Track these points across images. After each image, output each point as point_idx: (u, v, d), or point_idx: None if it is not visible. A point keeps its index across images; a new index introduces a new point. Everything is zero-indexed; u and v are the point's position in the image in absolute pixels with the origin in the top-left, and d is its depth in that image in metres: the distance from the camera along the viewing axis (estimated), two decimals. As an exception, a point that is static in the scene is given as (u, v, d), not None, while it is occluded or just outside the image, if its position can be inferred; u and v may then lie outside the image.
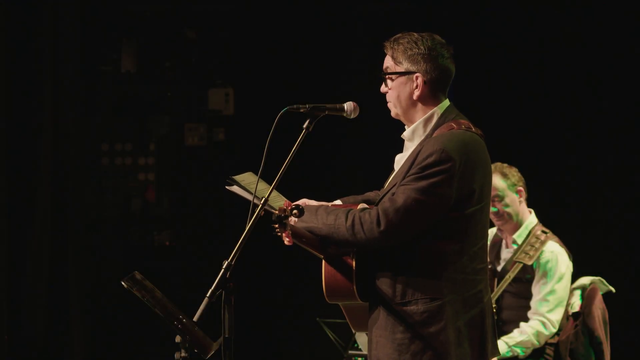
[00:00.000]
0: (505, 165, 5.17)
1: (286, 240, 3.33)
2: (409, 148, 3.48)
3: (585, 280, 5.13)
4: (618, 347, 5.24)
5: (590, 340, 5.02)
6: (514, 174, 5.14)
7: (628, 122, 6.50)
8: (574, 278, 5.13)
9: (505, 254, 5.19)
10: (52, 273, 6.57)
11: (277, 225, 3.26)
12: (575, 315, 5.04)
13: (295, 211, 3.21)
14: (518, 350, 4.97)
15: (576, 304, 5.06)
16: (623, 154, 6.52)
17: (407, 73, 3.43)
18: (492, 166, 5.06)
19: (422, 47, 3.41)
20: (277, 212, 3.23)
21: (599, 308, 5.05)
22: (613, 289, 5.11)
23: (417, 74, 3.42)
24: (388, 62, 3.48)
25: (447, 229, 3.33)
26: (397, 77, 3.44)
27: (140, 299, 3.29)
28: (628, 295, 5.91)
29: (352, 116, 3.52)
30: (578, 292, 5.09)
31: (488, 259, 5.16)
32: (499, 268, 5.14)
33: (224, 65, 7.31)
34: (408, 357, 3.33)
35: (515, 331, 4.98)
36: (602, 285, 5.11)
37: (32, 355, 6.52)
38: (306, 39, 7.03)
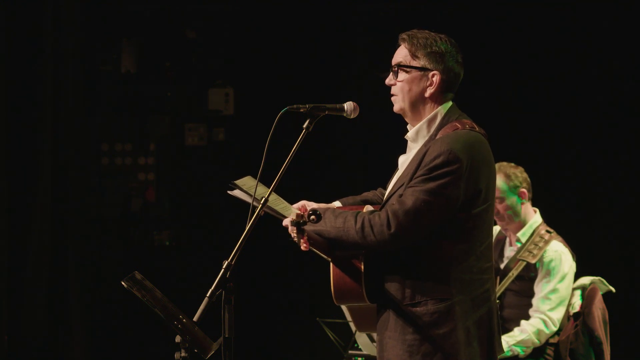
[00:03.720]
0: (511, 165, 5.15)
1: (303, 246, 3.31)
2: (413, 148, 3.48)
3: (585, 280, 5.13)
4: (618, 347, 5.24)
5: (590, 340, 5.01)
6: (518, 175, 5.12)
7: (629, 123, 6.50)
8: (575, 278, 5.13)
9: (509, 251, 5.19)
10: (52, 273, 6.57)
11: (294, 231, 3.26)
12: (576, 315, 5.04)
13: (312, 217, 3.20)
14: (518, 350, 4.97)
15: (576, 304, 5.06)
16: (623, 153, 6.52)
17: (424, 69, 3.42)
18: (497, 166, 5.09)
19: (442, 47, 3.41)
20: (294, 217, 3.23)
21: (599, 308, 5.05)
22: (613, 289, 5.11)
23: (434, 72, 3.42)
24: (403, 54, 3.45)
25: (454, 230, 3.33)
26: (412, 71, 3.43)
27: (140, 299, 3.29)
28: (628, 295, 5.91)
29: (352, 116, 3.52)
30: (578, 292, 5.09)
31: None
32: (501, 266, 5.14)
33: (224, 65, 7.31)
34: (419, 358, 3.33)
35: (516, 329, 4.99)
36: (602, 285, 5.11)
37: (32, 355, 6.52)
38: (306, 39, 7.03)
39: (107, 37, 7.26)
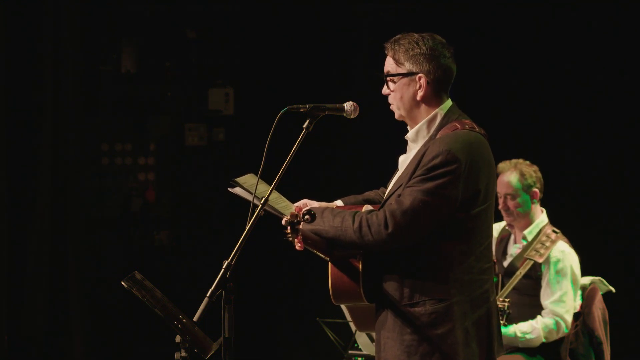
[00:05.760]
0: (527, 163, 5.15)
1: (297, 246, 3.33)
2: (413, 149, 3.48)
3: (585, 280, 5.12)
4: (618, 347, 5.24)
5: (590, 340, 5.01)
6: (532, 174, 5.11)
7: (629, 123, 6.50)
8: (576, 279, 5.14)
9: (513, 249, 5.18)
10: (52, 273, 6.57)
11: (288, 231, 3.26)
12: (576, 315, 5.04)
13: (307, 217, 3.21)
14: (519, 343, 4.96)
15: (577, 303, 5.06)
16: (623, 153, 6.52)
17: (409, 74, 3.42)
18: (513, 163, 5.10)
19: (423, 47, 3.40)
20: (289, 217, 3.23)
21: (599, 308, 5.05)
22: (613, 289, 5.11)
23: (420, 75, 3.41)
24: (389, 63, 3.46)
25: (453, 230, 3.32)
26: (399, 79, 3.43)
27: (140, 299, 3.29)
28: (628, 295, 5.91)
29: (352, 116, 3.52)
30: (578, 292, 5.09)
31: (494, 254, 5.17)
32: (505, 263, 5.14)
33: (224, 65, 7.31)
34: (417, 359, 3.32)
35: (529, 325, 4.95)
36: (602, 285, 5.10)
37: (32, 355, 6.52)
38: (306, 39, 7.03)
39: (107, 37, 7.26)
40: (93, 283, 6.96)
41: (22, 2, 6.48)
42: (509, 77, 6.65)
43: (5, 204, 6.39)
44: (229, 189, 3.47)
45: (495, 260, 5.11)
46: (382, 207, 3.39)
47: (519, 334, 4.92)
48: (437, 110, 3.44)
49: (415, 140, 3.47)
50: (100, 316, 7.00)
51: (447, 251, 3.33)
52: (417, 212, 3.26)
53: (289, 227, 3.26)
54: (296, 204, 3.54)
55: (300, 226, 3.28)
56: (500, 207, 5.10)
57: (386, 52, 3.48)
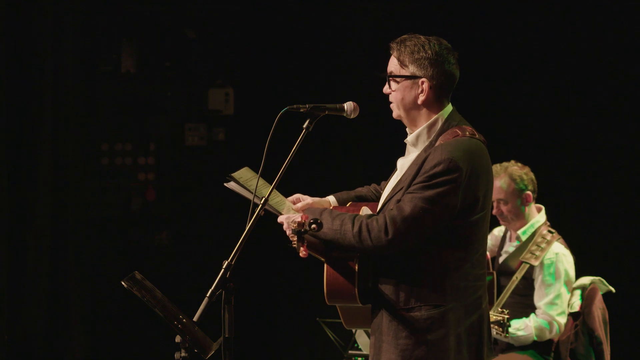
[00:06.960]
0: (518, 165, 5.11)
1: (302, 253, 3.32)
2: (412, 152, 3.47)
3: (585, 280, 5.12)
4: (618, 347, 5.24)
5: (590, 340, 5.01)
6: (524, 177, 5.08)
7: (628, 123, 6.50)
8: (575, 278, 5.12)
9: (507, 247, 5.18)
10: (52, 273, 6.57)
11: (294, 239, 3.26)
12: (575, 315, 5.04)
13: (313, 225, 3.21)
14: (511, 339, 4.95)
15: (576, 304, 5.06)
16: (623, 153, 6.52)
17: (412, 77, 3.41)
18: (503, 167, 5.08)
19: (429, 52, 3.39)
20: (295, 226, 3.23)
21: (599, 308, 5.04)
22: (613, 289, 5.11)
23: (423, 79, 3.40)
24: (393, 63, 3.45)
25: (450, 237, 3.33)
26: (402, 80, 3.42)
27: (140, 299, 3.29)
28: (628, 295, 5.91)
29: (352, 116, 3.52)
30: (578, 292, 5.08)
31: (497, 248, 5.18)
32: (500, 259, 5.13)
33: (224, 65, 7.31)
34: None
35: (522, 322, 4.94)
36: (602, 285, 5.10)
37: (32, 355, 6.52)
38: (306, 39, 7.03)
39: (107, 37, 7.26)
40: (93, 283, 6.96)
41: (23, 2, 6.48)
42: (508, 75, 6.65)
43: (5, 204, 6.39)
44: (225, 184, 3.48)
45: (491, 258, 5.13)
46: (380, 211, 3.39)
47: (510, 330, 4.92)
48: (437, 115, 3.43)
49: (415, 144, 3.47)
50: (100, 316, 7.00)
51: (444, 257, 3.33)
52: (417, 219, 3.26)
53: (295, 236, 3.25)
54: (289, 198, 3.55)
55: (306, 235, 3.28)
56: (494, 212, 5.07)
57: (391, 51, 3.46)
